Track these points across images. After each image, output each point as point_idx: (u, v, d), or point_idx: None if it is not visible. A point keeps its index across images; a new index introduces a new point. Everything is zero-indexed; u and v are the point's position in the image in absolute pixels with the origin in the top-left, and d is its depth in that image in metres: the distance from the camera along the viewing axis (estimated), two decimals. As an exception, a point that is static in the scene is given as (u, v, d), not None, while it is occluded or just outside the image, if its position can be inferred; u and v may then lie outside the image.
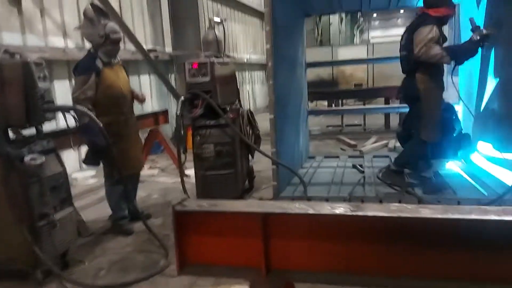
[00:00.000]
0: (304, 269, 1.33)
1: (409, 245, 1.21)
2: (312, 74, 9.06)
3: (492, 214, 1.07)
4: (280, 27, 4.32)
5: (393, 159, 5.44)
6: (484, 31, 3.67)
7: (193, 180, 4.67)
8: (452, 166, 4.78)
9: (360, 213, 1.21)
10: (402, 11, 50.86)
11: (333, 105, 9.80)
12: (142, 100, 4.06)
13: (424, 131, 3.88)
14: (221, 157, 4.19)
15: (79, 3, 6.50)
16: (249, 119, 4.68)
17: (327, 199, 4.00)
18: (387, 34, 50.50)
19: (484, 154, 4.54)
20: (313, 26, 22.16)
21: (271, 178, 5.51)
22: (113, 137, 3.43)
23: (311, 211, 1.28)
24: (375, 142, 7.30)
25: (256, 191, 4.99)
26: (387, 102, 9.10)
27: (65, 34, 6.19)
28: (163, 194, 5.16)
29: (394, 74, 9.22)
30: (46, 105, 2.93)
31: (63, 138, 3.91)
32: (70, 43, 6.28)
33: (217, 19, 4.78)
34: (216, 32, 4.69)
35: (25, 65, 2.82)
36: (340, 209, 1.25)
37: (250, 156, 4.79)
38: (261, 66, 15.08)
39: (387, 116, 9.01)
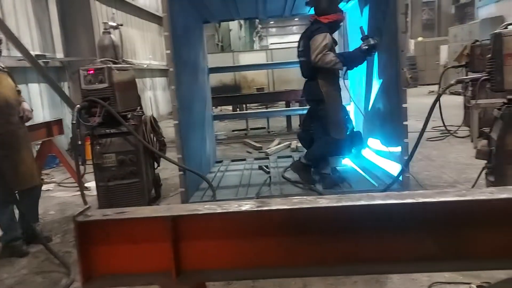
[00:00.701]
0: (215, 268, 1.36)
1: (311, 234, 1.30)
2: (215, 79, 9.15)
3: (378, 199, 1.21)
4: (179, 32, 4.31)
5: (296, 159, 5.76)
6: (372, 41, 4.04)
7: (94, 192, 4.43)
8: (347, 162, 5.18)
9: (265, 208, 1.27)
10: (297, 19, 53.97)
11: (237, 110, 10.04)
12: (26, 119, 3.61)
13: (334, 129, 4.13)
14: (125, 166, 4.03)
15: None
16: (152, 125, 4.58)
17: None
18: (284, 41, 52.97)
19: (373, 149, 5.00)
20: (214, 32, 22.38)
21: (178, 185, 5.49)
22: (1, 149, 3.13)
23: (219, 210, 1.32)
24: (278, 143, 7.59)
25: (163, 199, 4.89)
26: (287, 105, 9.55)
27: None
28: (61, 210, 4.81)
29: (293, 78, 9.76)
30: None
31: None
32: None
33: (112, 24, 4.59)
34: (113, 37, 4.52)
35: None
36: (247, 206, 1.30)
37: (155, 164, 4.68)
38: (162, 72, 14.80)
39: (288, 119, 9.43)
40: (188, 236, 1.34)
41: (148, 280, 1.36)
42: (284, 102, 9.96)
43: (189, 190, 4.22)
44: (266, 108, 9.40)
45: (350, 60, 4.16)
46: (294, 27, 62.05)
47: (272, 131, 9.47)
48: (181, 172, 4.12)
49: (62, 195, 5.44)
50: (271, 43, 50.74)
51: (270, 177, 4.66)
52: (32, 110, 3.68)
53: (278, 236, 1.32)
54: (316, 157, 4.32)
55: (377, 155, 4.84)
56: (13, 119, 3.44)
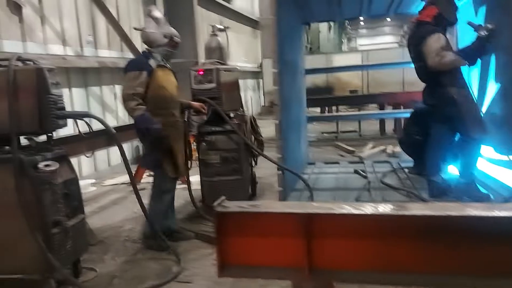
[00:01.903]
0: (347, 268, 1.35)
1: (453, 242, 1.24)
2: (307, 81, 9.13)
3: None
4: (283, 34, 4.37)
5: (394, 165, 5.54)
6: (489, 26, 3.73)
7: (195, 186, 4.67)
8: (453, 170, 4.86)
9: (406, 213, 1.24)
10: (389, 19, 51.84)
11: (326, 112, 9.93)
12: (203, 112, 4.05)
13: (475, 128, 3.83)
14: (228, 163, 4.20)
15: (78, 12, 6.49)
16: (252, 125, 4.71)
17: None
18: (374, 42, 51.25)
19: (486, 157, 4.63)
20: (304, 33, 22.34)
21: (273, 185, 5.58)
22: (163, 139, 3.48)
23: (355, 211, 1.31)
24: (373, 147, 7.37)
25: (259, 197, 5.00)
26: (381, 108, 9.23)
27: (64, 42, 6.17)
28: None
29: (388, 81, 9.43)
30: (59, 111, 2.92)
31: (73, 144, 3.90)
32: (70, 50, 6.25)
33: (220, 26, 4.81)
34: (219, 39, 4.74)
35: (38, 71, 2.81)
36: (384, 208, 1.28)
37: (253, 162, 4.81)
38: (253, 74, 15.15)
39: (382, 122, 9.12)
40: (321, 234, 1.35)
41: (280, 274, 1.40)
42: (375, 106, 9.69)
43: (286, 190, 4.27)
44: (359, 111, 9.18)
45: (472, 54, 3.84)
46: (386, 28, 59.80)
47: (364, 135, 9.22)
48: (280, 172, 4.18)
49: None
50: (360, 45, 49.40)
51: (369, 181, 4.53)
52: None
53: (416, 241, 1.28)
54: (469, 163, 4.01)
55: (490, 163, 4.45)
56: (176, 113, 3.71)
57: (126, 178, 6.31)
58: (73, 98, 6.29)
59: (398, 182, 4.65)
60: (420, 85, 9.43)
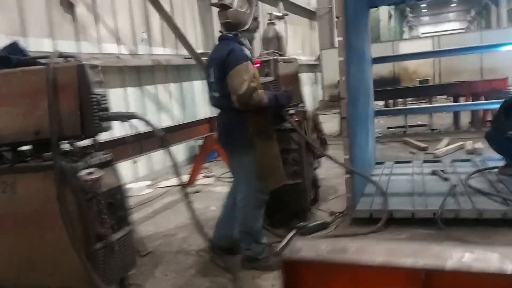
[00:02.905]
0: None
1: None
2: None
3: None
4: (349, 18, 3.85)
5: (478, 164, 4.81)
6: None
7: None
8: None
9: None
10: (454, 4, 48.51)
11: (391, 105, 9.14)
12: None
13: None
14: (287, 165, 3.75)
15: (132, 9, 6.34)
16: (315, 122, 4.23)
17: (412, 214, 3.48)
18: (437, 29, 48.14)
19: None
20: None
21: (336, 188, 5.06)
22: (261, 138, 3.07)
23: (493, 269, 0.82)
24: (448, 144, 6.59)
25: (323, 202, 4.51)
26: (455, 100, 8.32)
27: (118, 40, 6.04)
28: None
29: (464, 69, 8.49)
30: (102, 113, 2.64)
31: (120, 148, 3.67)
32: (124, 49, 6.11)
33: (277, 13, 4.37)
34: (277, 28, 4.29)
35: (79, 68, 2.54)
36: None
37: (315, 164, 4.32)
38: (310, 67, 14.54)
39: (456, 115, 8.22)
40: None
41: None
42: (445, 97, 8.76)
43: (355, 196, 3.76)
44: (430, 103, 8.33)
45: None
46: (451, 14, 56.10)
47: (436, 129, 8.36)
48: (348, 175, 3.68)
49: (221, 189, 5.49)
50: (423, 33, 46.60)
51: (454, 185, 3.88)
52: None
53: None
54: None
55: None
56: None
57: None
58: (128, 97, 6.15)
59: (488, 185, 3.99)
60: (502, 73, 8.40)
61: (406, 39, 10.58)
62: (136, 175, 6.17)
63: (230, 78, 2.89)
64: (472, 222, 3.36)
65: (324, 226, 3.70)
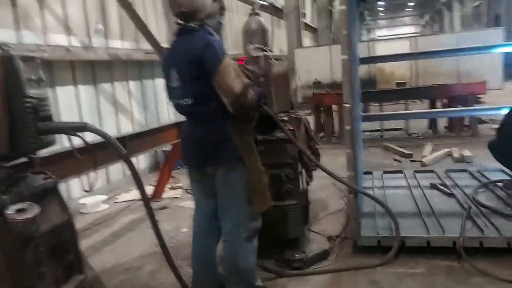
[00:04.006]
0: None
1: None
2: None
3: None
4: (350, 10, 3.28)
5: (477, 175, 4.40)
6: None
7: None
8: None
9: None
10: (409, 9, 50.01)
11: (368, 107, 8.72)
12: None
13: None
14: (279, 183, 3.12)
15: (84, -7, 5.47)
16: (307, 130, 3.62)
17: (428, 242, 2.94)
18: (393, 33, 49.35)
19: None
20: (327, 23, 21.19)
21: (325, 202, 4.49)
22: (246, 149, 2.46)
23: None
24: (432, 150, 6.21)
25: (314, 221, 3.92)
26: (432, 103, 8.02)
27: (68, 31, 5.16)
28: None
29: (443, 71, 8.22)
30: (42, 123, 1.89)
31: (67, 162, 2.89)
32: (75, 40, 5.24)
33: (261, 2, 3.72)
34: (261, 20, 3.65)
35: (6, 60, 1.78)
36: None
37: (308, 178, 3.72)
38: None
39: (433, 119, 7.90)
40: None
41: None
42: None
43: (358, 220, 3.18)
44: (406, 106, 7.98)
45: None
46: (406, 18, 57.80)
47: (413, 133, 8.02)
48: (352, 195, 3.10)
49: (192, 205, 4.77)
50: (379, 36, 47.57)
51: (470, 207, 3.39)
52: None
53: None
54: None
55: None
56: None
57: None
58: (80, 97, 5.28)
59: (502, 204, 3.53)
60: (479, 76, 8.03)
61: (382, 39, 10.22)
62: (90, 189, 5.31)
63: (220, 77, 2.23)
64: (497, 250, 2.87)
65: (324, 255, 3.09)
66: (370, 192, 4.09)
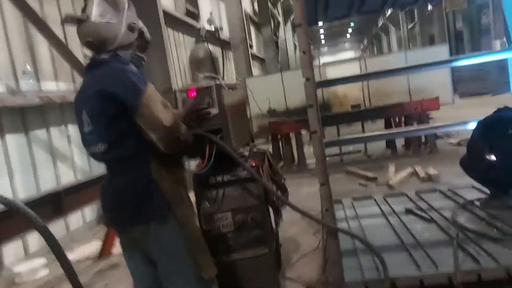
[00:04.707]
0: None
1: None
2: (299, 98, 7.79)
3: None
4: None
5: (450, 194, 4.19)
6: None
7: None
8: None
9: None
10: (348, 35, 52.51)
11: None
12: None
13: None
14: (246, 230, 2.68)
15: (9, 34, 4.88)
16: (271, 164, 3.23)
17: (421, 281, 2.58)
18: (336, 59, 51.33)
19: None
20: (274, 53, 21.49)
21: (296, 240, 4.08)
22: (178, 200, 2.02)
23: None
24: (397, 171, 6.02)
25: (288, 266, 3.48)
26: (388, 123, 7.97)
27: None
28: None
29: (392, 91, 8.24)
30: None
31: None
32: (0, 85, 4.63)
33: (209, 28, 3.38)
34: (210, 47, 3.29)
35: None
36: None
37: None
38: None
39: (391, 139, 7.84)
40: None
41: None
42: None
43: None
44: (363, 127, 7.88)
45: None
46: (346, 44, 60.55)
47: (371, 155, 7.90)
48: (330, 237, 2.70)
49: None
50: (323, 62, 49.27)
51: (457, 234, 3.09)
52: None
53: None
54: None
55: None
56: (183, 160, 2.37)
57: (92, 249, 4.66)
58: (7, 148, 4.62)
59: (484, 225, 3.28)
60: (430, 93, 7.98)
61: (332, 63, 10.25)
62: (25, 252, 4.60)
63: (146, 109, 1.81)
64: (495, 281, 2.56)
65: (306, 312, 2.65)
66: (343, 224, 3.76)
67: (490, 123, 3.60)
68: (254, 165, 2.74)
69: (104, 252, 4.40)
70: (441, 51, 7.72)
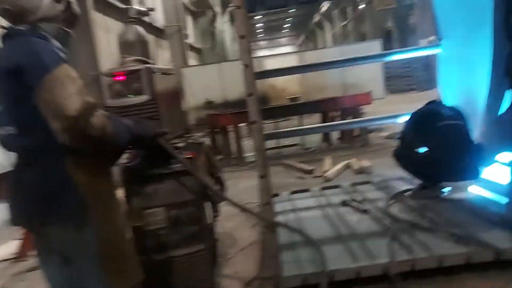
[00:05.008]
0: None
1: None
2: (238, 90, 7.69)
3: None
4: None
5: (383, 185, 4.30)
6: None
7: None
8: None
9: None
10: (286, 30, 53.30)
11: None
12: None
13: None
14: (180, 226, 2.51)
15: None
16: (209, 156, 3.07)
17: (358, 272, 2.58)
18: (274, 53, 51.88)
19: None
20: (211, 44, 21.21)
21: (232, 234, 3.95)
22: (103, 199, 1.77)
23: None
24: (333, 164, 6.12)
25: (225, 262, 3.34)
26: (325, 118, 8.10)
27: None
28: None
29: (329, 85, 8.39)
30: None
31: None
32: None
33: (141, 8, 3.12)
34: (140, 29, 3.05)
35: None
36: None
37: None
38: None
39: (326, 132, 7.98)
40: None
41: None
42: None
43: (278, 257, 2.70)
44: (300, 121, 7.93)
45: None
46: (283, 39, 61.39)
47: (309, 148, 7.99)
48: (269, 231, 2.61)
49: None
50: (260, 56, 49.54)
51: (391, 225, 3.13)
52: None
53: None
54: None
55: None
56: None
57: (8, 249, 4.22)
58: None
59: (415, 215, 3.38)
60: (363, 88, 8.21)
61: (271, 56, 10.23)
62: None
63: (45, 93, 1.56)
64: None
65: (243, 310, 2.54)
66: (282, 217, 3.70)
67: (421, 116, 3.71)
68: (189, 156, 2.56)
69: (21, 253, 3.99)
70: (374, 47, 7.97)
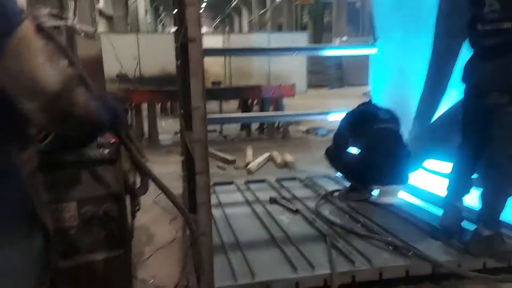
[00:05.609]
0: None
1: None
2: (156, 66, 7.10)
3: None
4: None
5: (308, 183, 4.18)
6: None
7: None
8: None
9: None
10: (203, 5, 52.02)
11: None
12: None
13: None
14: (95, 225, 2.03)
15: None
16: (131, 139, 2.58)
17: (297, 283, 2.36)
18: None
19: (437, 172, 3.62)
20: (124, 13, 19.72)
21: (147, 229, 3.53)
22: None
23: None
24: (253, 155, 5.90)
25: (141, 263, 2.91)
26: (245, 105, 7.85)
27: None
28: None
29: (254, 72, 8.11)
30: None
31: None
32: None
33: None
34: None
35: None
36: None
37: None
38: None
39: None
40: None
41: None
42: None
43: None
44: (221, 106, 7.59)
45: None
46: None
47: (227, 136, 7.71)
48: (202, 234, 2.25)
49: None
50: (172, 31, 47.93)
51: (328, 232, 2.95)
52: None
53: None
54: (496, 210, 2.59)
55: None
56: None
57: None
58: None
59: (347, 218, 3.28)
60: (287, 79, 8.20)
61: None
62: None
63: (13, 61, 1.03)
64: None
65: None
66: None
67: (357, 117, 3.63)
68: (111, 141, 2.09)
69: None
70: (301, 38, 7.91)
